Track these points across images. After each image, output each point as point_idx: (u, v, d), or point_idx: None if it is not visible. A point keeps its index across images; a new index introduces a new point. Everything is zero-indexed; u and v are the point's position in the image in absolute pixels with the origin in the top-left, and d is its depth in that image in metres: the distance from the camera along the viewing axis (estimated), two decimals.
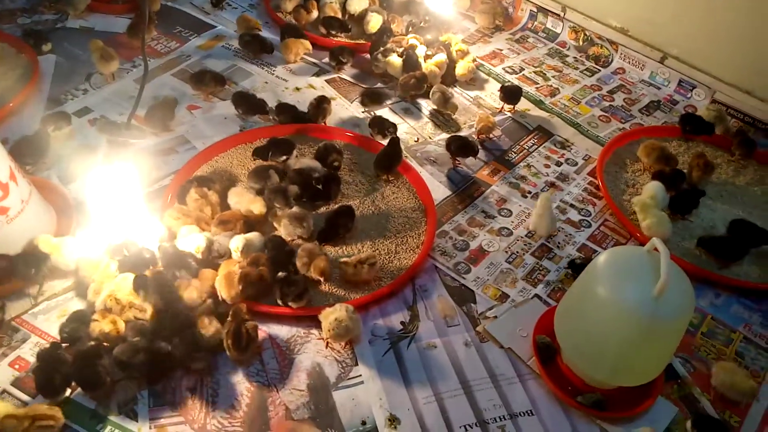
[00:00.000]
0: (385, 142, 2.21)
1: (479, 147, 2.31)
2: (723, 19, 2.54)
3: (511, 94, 2.54)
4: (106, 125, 2.20)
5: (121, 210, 1.80)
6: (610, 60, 2.92)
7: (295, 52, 2.65)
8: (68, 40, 2.65)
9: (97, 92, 2.44)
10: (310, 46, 2.67)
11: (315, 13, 2.86)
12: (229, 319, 1.64)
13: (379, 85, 2.65)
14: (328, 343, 1.71)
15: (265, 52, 2.68)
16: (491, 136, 2.42)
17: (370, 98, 2.50)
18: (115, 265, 1.75)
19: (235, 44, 2.75)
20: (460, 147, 2.28)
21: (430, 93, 2.52)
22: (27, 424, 1.39)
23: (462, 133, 2.43)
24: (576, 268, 1.92)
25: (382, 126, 2.33)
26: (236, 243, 1.80)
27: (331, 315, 1.65)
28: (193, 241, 1.80)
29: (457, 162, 2.32)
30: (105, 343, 1.59)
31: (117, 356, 1.54)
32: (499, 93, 2.57)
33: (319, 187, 2.04)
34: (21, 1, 2.85)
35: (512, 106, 2.54)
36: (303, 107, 2.38)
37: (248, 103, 2.36)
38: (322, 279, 1.78)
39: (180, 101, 2.40)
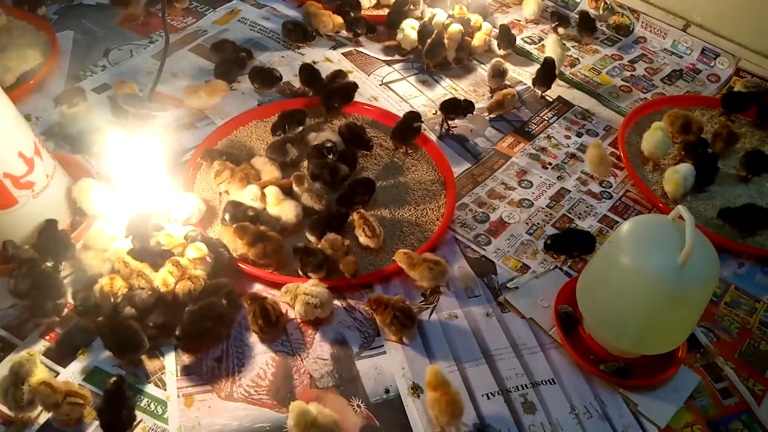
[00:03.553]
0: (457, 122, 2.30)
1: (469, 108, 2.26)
2: None
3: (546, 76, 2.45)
4: (128, 98, 2.21)
5: (145, 183, 1.82)
6: (631, 29, 2.86)
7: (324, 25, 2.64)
8: (85, 17, 2.66)
9: (115, 68, 2.44)
10: (341, 21, 2.64)
11: None
12: (247, 303, 1.67)
13: (396, 57, 2.63)
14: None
15: (308, 40, 2.62)
16: (503, 113, 2.38)
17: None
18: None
19: (252, 17, 2.73)
20: (448, 107, 2.27)
21: (495, 69, 2.45)
22: (60, 399, 1.43)
23: (479, 105, 2.42)
24: (551, 248, 1.91)
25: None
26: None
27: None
28: (248, 191, 1.88)
29: (448, 125, 2.31)
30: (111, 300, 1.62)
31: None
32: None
33: (331, 157, 2.03)
34: None
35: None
36: None
37: (263, 77, 2.36)
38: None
39: (199, 77, 2.41)
